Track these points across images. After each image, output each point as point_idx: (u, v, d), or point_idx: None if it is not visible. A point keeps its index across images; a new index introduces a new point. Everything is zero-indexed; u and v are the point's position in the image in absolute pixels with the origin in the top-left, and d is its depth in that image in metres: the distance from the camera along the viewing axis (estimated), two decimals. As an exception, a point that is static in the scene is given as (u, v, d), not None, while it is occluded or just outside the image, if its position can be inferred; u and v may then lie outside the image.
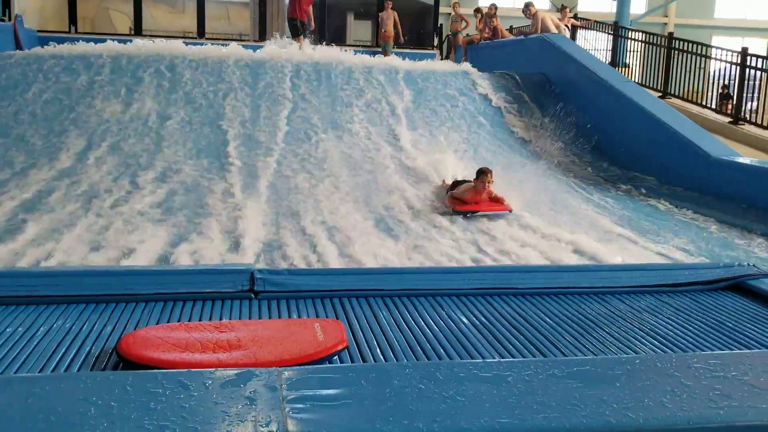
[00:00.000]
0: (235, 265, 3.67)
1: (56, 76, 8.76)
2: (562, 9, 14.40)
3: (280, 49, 10.79)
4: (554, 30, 11.87)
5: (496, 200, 6.33)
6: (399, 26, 15.11)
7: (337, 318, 2.87)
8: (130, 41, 10.48)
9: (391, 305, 3.02)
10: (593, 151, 9.19)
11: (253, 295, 3.23)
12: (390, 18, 15.03)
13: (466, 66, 11.33)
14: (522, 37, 12.43)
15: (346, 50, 11.20)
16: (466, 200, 6.30)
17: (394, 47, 14.97)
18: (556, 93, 10.36)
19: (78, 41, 10.19)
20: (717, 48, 11.14)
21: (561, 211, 6.61)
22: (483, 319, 2.78)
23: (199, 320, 2.90)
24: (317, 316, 2.94)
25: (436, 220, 6.13)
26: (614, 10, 22.20)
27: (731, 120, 10.00)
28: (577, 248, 5.34)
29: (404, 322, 2.73)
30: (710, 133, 8.44)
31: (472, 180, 6.41)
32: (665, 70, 11.40)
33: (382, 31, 15.09)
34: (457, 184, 6.65)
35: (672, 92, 11.32)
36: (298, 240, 5.36)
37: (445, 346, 2.46)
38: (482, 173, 6.24)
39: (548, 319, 2.78)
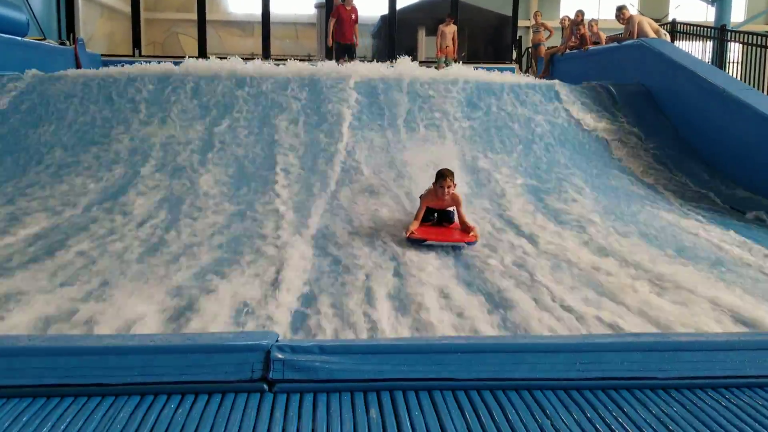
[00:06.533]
0: (245, 336, 2.51)
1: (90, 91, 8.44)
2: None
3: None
4: (653, 35, 10.41)
5: (467, 229, 5.05)
6: (456, 41, 13.92)
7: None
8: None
9: (466, 404, 2.22)
10: (712, 173, 7.68)
11: (266, 386, 2.26)
12: (450, 32, 13.86)
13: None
14: (615, 44, 10.98)
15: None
16: (429, 206, 5.22)
17: (454, 62, 13.70)
18: (661, 107, 8.93)
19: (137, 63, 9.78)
20: None
21: (695, 257, 5.06)
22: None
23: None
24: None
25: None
26: (709, 18, 20.48)
27: None
28: (733, 311, 3.68)
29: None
30: None
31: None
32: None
33: (443, 45, 13.88)
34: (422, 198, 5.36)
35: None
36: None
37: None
38: (441, 176, 5.10)
39: None
